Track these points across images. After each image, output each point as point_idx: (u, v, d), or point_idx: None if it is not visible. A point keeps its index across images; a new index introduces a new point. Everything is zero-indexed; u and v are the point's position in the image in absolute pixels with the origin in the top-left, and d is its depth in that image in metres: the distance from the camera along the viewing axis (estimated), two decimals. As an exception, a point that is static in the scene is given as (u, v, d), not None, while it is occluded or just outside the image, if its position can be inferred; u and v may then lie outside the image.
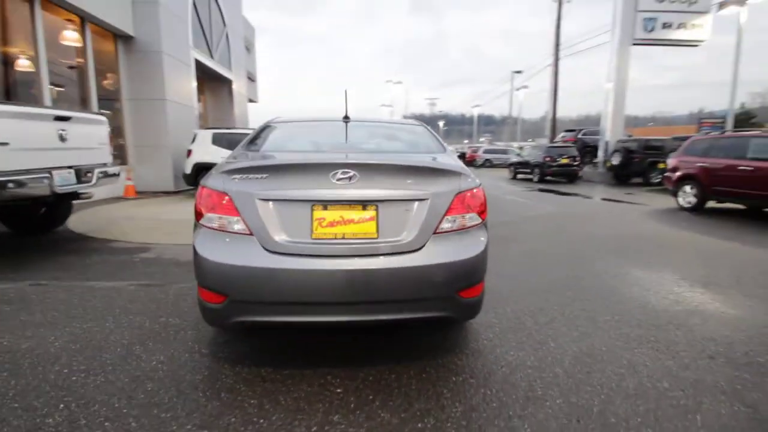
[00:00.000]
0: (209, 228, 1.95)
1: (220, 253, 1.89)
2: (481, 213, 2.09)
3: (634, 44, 15.21)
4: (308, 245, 1.88)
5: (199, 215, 2.01)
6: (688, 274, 3.88)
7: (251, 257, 1.85)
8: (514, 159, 18.54)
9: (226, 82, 13.99)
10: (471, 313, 2.10)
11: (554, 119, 26.45)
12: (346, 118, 2.89)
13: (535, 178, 15.74)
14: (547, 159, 15.25)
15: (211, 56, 12.25)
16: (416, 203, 1.95)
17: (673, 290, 3.44)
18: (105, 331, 2.58)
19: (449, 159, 2.30)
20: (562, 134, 20.13)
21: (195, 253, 1.95)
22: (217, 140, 8.94)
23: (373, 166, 1.97)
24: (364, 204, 1.92)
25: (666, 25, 14.91)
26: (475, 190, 2.08)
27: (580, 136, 18.54)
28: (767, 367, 2.23)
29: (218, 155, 8.81)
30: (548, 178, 15.38)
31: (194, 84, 10.89)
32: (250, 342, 2.44)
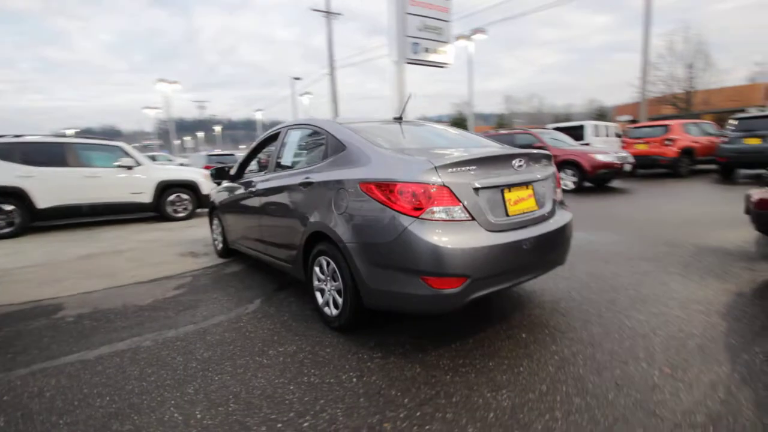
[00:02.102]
0: (433, 220, 2.06)
1: (457, 239, 2.05)
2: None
3: (407, 62, 18.85)
4: (508, 221, 2.28)
5: (416, 210, 2.06)
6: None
7: (482, 238, 2.11)
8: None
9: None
10: None
11: (337, 123, 29.44)
12: (399, 119, 3.15)
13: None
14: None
15: None
16: (547, 181, 2.61)
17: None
18: (233, 384, 2.08)
19: None
20: None
21: (422, 245, 2.02)
22: (5, 153, 6.28)
23: (528, 154, 2.50)
24: (527, 184, 2.45)
25: (426, 50, 19.13)
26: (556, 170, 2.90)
27: None
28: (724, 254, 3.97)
29: (12, 174, 6.26)
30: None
31: None
32: (395, 335, 2.51)
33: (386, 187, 2.17)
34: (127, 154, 7.34)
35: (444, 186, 2.10)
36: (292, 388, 2.02)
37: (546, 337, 2.42)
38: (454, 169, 2.15)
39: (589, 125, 13.45)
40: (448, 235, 2.06)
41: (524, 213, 2.39)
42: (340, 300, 2.52)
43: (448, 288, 2.06)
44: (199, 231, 6.49)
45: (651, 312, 2.70)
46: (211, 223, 4.95)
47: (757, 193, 3.19)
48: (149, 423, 1.80)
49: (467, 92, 26.70)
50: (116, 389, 2.07)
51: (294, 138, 3.29)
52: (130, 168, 7.28)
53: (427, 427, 1.70)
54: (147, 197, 7.48)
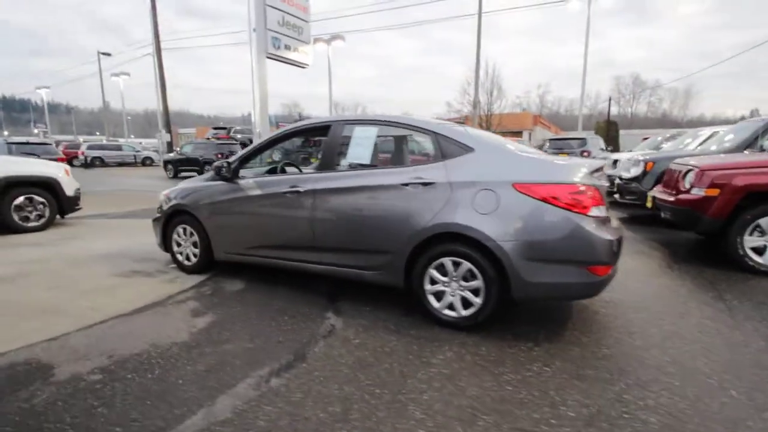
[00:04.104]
0: (595, 216, 2.36)
1: (609, 232, 2.40)
2: None
3: (268, 57, 17.83)
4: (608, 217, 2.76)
5: (584, 208, 2.32)
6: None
7: (614, 232, 2.51)
8: (172, 156, 16.95)
9: None
10: None
11: (167, 113, 25.49)
12: (461, 123, 3.29)
13: (208, 176, 15.55)
14: (219, 156, 15.47)
15: None
16: None
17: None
18: (454, 398, 1.93)
19: None
20: (213, 131, 20.21)
21: (593, 239, 2.31)
22: None
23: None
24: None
25: (287, 47, 18.42)
26: None
27: (233, 134, 19.47)
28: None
29: None
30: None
31: None
32: (516, 326, 2.70)
33: (552, 188, 2.36)
34: (-59, 137, 4.90)
35: (596, 188, 2.44)
36: (510, 389, 2.01)
37: (609, 305, 3.01)
38: (597, 174, 2.52)
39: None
40: (604, 228, 2.41)
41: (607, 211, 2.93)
42: (476, 299, 2.55)
43: (603, 274, 2.40)
44: (95, 244, 4.91)
45: (642, 282, 3.63)
46: (167, 233, 3.89)
47: (662, 193, 4.65)
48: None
49: (328, 91, 26.60)
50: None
51: (365, 135, 3.01)
52: (-53, 157, 4.90)
53: (638, 375, 2.02)
54: (-22, 200, 5.17)
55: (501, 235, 2.42)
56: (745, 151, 5.64)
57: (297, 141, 10.80)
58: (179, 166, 16.30)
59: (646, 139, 12.55)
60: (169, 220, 3.87)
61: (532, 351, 2.39)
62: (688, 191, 4.26)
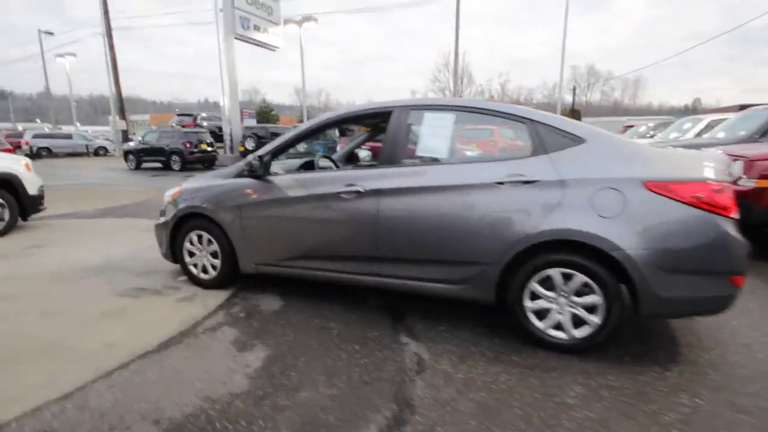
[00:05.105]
0: (735, 219, 2.03)
1: (743, 237, 2.08)
2: None
3: (237, 39, 16.54)
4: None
5: (726, 210, 2.00)
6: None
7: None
8: (133, 145, 15.45)
9: None
10: None
11: (120, 98, 23.36)
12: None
13: (176, 166, 14.35)
14: (188, 145, 14.30)
15: None
16: None
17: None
18: None
19: None
20: (178, 118, 18.66)
21: (739, 246, 2.00)
22: None
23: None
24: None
25: (256, 27, 17.24)
26: None
27: (200, 121, 18.08)
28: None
29: None
30: (189, 165, 14.49)
31: None
32: (627, 348, 2.37)
33: (693, 187, 2.00)
34: None
35: (731, 186, 2.11)
36: None
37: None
38: (728, 169, 2.19)
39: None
40: (741, 234, 2.09)
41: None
42: (592, 317, 2.17)
43: (741, 284, 2.09)
44: (76, 253, 4.13)
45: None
46: (175, 240, 3.24)
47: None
48: None
49: (301, 77, 25.14)
50: None
51: (440, 123, 2.51)
52: None
53: None
54: None
55: (630, 243, 2.04)
56: (760, 139, 5.65)
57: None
58: (142, 157, 14.92)
59: (630, 126, 12.72)
60: (179, 225, 3.22)
61: (666, 378, 2.05)
62: (734, 182, 4.10)
